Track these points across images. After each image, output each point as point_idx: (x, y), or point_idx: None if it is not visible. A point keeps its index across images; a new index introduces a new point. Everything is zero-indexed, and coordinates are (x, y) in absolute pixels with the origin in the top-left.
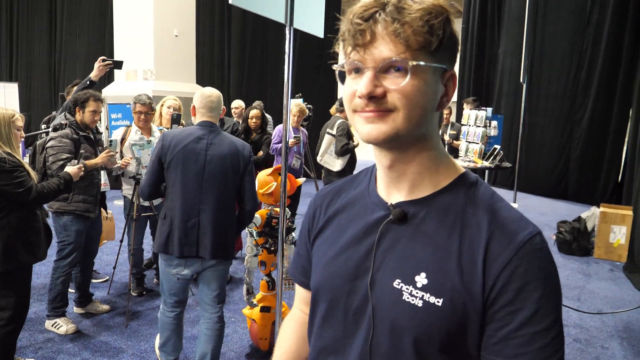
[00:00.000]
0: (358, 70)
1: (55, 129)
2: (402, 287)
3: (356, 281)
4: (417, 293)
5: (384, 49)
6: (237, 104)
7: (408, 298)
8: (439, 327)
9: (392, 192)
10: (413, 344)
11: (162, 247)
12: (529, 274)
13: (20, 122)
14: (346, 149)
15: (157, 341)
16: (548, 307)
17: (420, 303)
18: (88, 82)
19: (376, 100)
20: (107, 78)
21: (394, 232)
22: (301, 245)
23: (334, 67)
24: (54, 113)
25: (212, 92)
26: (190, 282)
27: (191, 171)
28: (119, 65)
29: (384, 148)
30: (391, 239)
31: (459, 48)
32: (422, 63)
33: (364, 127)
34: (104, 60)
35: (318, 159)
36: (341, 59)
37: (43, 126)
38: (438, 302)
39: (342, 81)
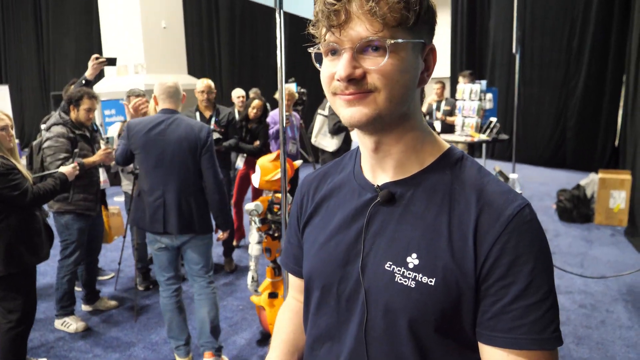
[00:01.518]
0: (335, 52)
1: (49, 129)
2: (393, 269)
3: (347, 266)
4: (409, 274)
5: (360, 28)
6: (239, 92)
7: (400, 280)
8: (433, 307)
9: (377, 173)
10: (408, 326)
11: (135, 221)
12: (520, 247)
13: (3, 122)
14: (339, 127)
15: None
16: (541, 279)
17: (413, 284)
18: (84, 82)
19: (356, 82)
20: (98, 75)
21: (382, 214)
22: (291, 234)
23: (310, 49)
24: (52, 113)
25: (169, 81)
26: (177, 257)
27: (152, 155)
28: (112, 62)
29: (367, 130)
30: (380, 221)
31: (437, 20)
32: (400, 40)
33: (346, 111)
34: (97, 59)
35: (312, 140)
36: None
37: (42, 126)
38: (431, 281)
39: (320, 63)
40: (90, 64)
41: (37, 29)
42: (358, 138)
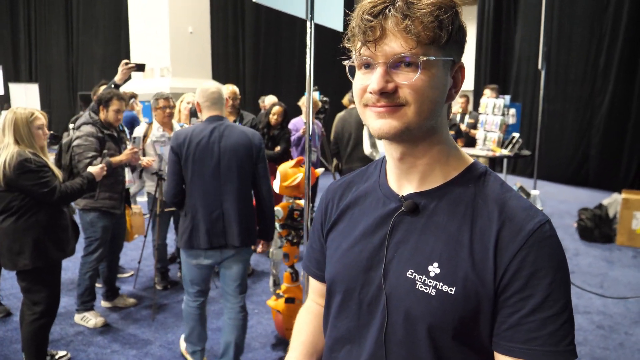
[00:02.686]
0: (368, 66)
1: (79, 128)
2: (415, 276)
3: (370, 272)
4: (430, 282)
5: (395, 44)
6: (273, 99)
7: (421, 287)
8: (452, 315)
9: (402, 184)
10: (427, 332)
11: (187, 243)
12: (539, 262)
13: (40, 120)
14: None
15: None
16: (558, 293)
17: (433, 292)
18: (113, 86)
19: (387, 96)
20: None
21: (406, 224)
22: (314, 239)
23: (344, 62)
24: (81, 113)
25: (212, 85)
26: (212, 273)
27: (207, 165)
28: (141, 67)
29: (395, 141)
30: (403, 230)
31: (466, 40)
32: (432, 58)
33: (375, 122)
34: (126, 64)
35: (367, 152)
36: (351, 54)
37: (71, 125)
38: (451, 290)
39: (352, 76)
40: (120, 69)
41: (68, 31)
42: (385, 148)
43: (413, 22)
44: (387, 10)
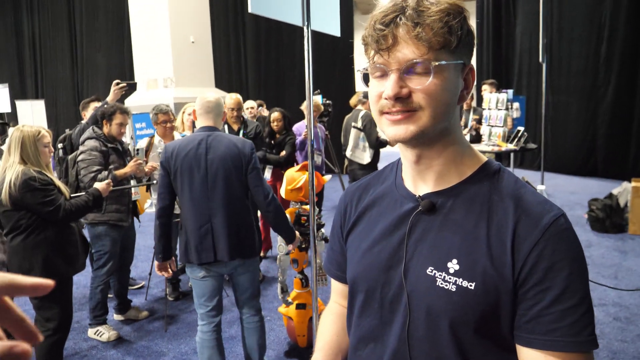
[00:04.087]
0: (382, 73)
1: (83, 143)
2: (435, 274)
3: (390, 271)
4: (450, 279)
5: (407, 51)
6: (250, 104)
7: (442, 284)
8: (473, 310)
9: (418, 184)
10: (449, 327)
11: (183, 258)
12: (556, 254)
13: (47, 138)
14: (381, 142)
15: None
16: (576, 284)
17: (454, 288)
18: (105, 106)
19: (402, 101)
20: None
21: (423, 223)
22: (334, 241)
23: (358, 70)
24: (67, 131)
25: (211, 96)
26: (222, 283)
27: (196, 177)
28: (133, 87)
29: (411, 145)
30: (421, 229)
31: (475, 42)
32: (444, 62)
33: (391, 129)
34: (118, 84)
35: (348, 154)
36: (365, 62)
37: (59, 145)
38: (471, 286)
39: (366, 83)
40: (112, 88)
41: (72, 46)
42: (400, 151)
43: (424, 29)
44: (398, 19)
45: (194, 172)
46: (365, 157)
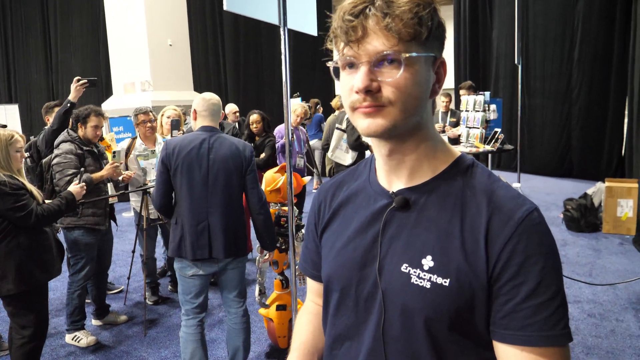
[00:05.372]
0: (352, 65)
1: (58, 146)
2: (409, 270)
3: (365, 269)
4: (424, 275)
5: (377, 43)
6: (234, 108)
7: (416, 281)
8: (448, 306)
9: (392, 180)
10: (424, 324)
11: (175, 252)
12: (530, 249)
13: (19, 143)
14: (360, 143)
15: None
16: (550, 278)
17: (428, 285)
18: (68, 105)
19: (372, 95)
20: (105, 93)
21: (397, 219)
22: (309, 240)
23: (328, 64)
24: (32, 138)
25: (213, 96)
26: (208, 283)
27: (196, 176)
28: (93, 83)
29: (383, 139)
30: (395, 226)
31: (446, 35)
32: (414, 54)
33: (363, 122)
34: (78, 81)
35: (329, 154)
36: (335, 55)
37: (26, 154)
38: (445, 282)
39: (337, 77)
40: (73, 86)
41: (46, 49)
42: (373, 146)
43: (393, 19)
44: (367, 9)
45: (194, 170)
46: (347, 159)
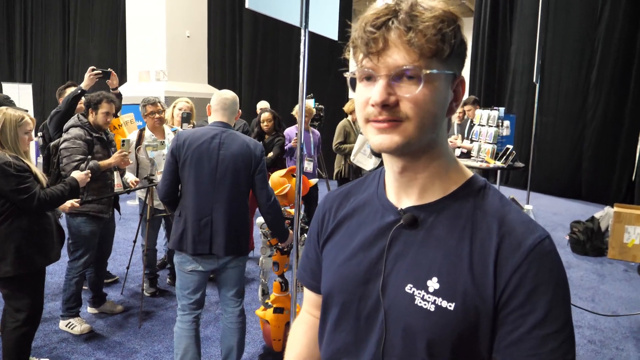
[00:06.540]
0: (370, 78)
1: (67, 130)
2: (414, 291)
3: (368, 285)
4: (429, 298)
5: (398, 57)
6: (262, 104)
7: (420, 303)
8: (451, 331)
9: (401, 196)
10: (426, 347)
11: (176, 244)
12: (539, 277)
13: (29, 126)
14: None
15: None
16: (558, 310)
17: (432, 307)
18: (79, 91)
19: (389, 109)
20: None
21: (404, 237)
22: (310, 249)
23: (345, 74)
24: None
25: (227, 93)
26: (207, 279)
27: (204, 170)
28: (107, 75)
29: (395, 155)
30: (402, 244)
31: (467, 54)
32: (435, 71)
33: (376, 137)
34: (93, 70)
35: (351, 158)
36: (352, 66)
37: (39, 134)
38: (450, 306)
39: (353, 88)
40: (87, 75)
41: (64, 32)
42: (385, 161)
43: (416, 34)
44: (391, 22)
45: (203, 164)
46: (369, 164)
